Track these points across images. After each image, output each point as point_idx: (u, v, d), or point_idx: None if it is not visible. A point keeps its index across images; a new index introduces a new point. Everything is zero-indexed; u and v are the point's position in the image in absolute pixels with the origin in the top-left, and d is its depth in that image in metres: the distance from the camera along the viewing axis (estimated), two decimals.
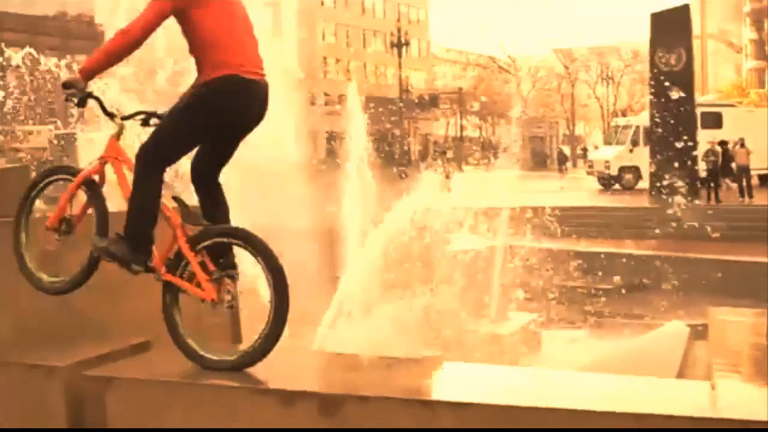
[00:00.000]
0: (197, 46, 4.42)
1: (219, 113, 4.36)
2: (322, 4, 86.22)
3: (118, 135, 4.66)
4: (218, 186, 4.68)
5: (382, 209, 10.80)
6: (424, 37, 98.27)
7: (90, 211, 4.67)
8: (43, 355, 4.59)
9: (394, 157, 55.69)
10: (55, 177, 4.93)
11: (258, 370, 4.27)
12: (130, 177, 4.52)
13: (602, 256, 16.28)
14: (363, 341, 7.95)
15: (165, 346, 4.41)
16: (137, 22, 4.32)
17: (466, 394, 3.92)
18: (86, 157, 28.86)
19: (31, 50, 33.16)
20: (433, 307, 9.50)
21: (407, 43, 65.56)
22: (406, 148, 69.40)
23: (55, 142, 35.13)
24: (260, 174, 12.93)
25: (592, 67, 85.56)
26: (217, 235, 4.41)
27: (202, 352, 4.37)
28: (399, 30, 62.31)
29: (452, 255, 10.60)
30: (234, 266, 4.45)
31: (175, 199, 4.52)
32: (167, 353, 4.38)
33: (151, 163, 4.42)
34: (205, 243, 4.41)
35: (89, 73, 4.46)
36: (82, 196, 4.70)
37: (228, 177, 12.37)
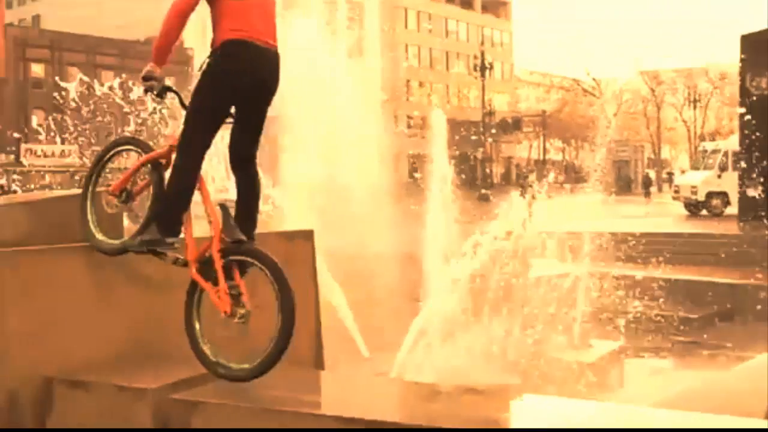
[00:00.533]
0: (215, 23, 4.66)
1: (232, 76, 4.55)
2: (406, 27, 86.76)
3: None
4: (257, 173, 4.82)
5: (464, 233, 10.77)
6: (508, 60, 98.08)
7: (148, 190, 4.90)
8: (132, 376, 4.67)
9: (477, 180, 55.54)
10: (121, 148, 5.21)
11: (340, 398, 4.29)
12: None
13: (688, 283, 15.91)
14: (442, 368, 7.94)
15: None
16: (176, 4, 4.60)
17: (544, 427, 3.87)
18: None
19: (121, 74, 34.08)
20: (515, 333, 9.42)
21: (491, 66, 65.47)
22: (488, 170, 69.11)
23: None
24: (344, 196, 13.06)
25: (679, 90, 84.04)
26: (242, 254, 4.53)
27: (214, 359, 4.51)
28: (482, 53, 62.25)
29: (534, 281, 10.50)
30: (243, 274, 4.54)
31: (222, 207, 4.62)
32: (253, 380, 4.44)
33: (189, 146, 4.61)
34: (233, 257, 4.53)
35: (158, 57, 4.66)
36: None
37: (312, 199, 12.48)
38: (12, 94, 52.35)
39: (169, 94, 4.77)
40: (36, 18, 69.71)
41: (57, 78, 40.90)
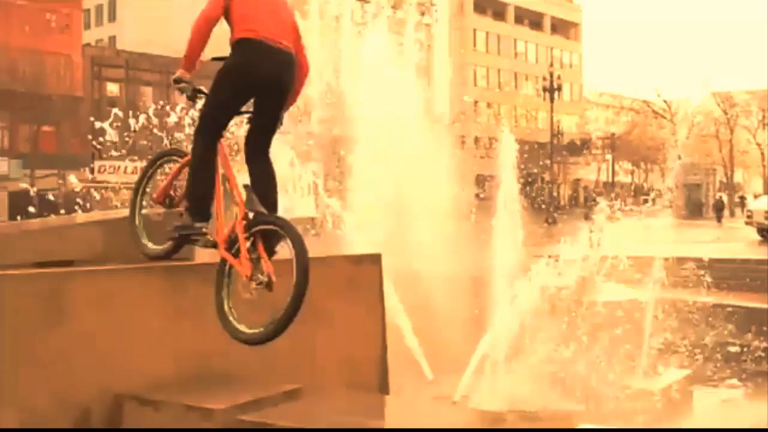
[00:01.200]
0: (232, 29, 5.11)
1: (241, 68, 5.01)
2: (475, 47, 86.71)
3: None
4: (269, 164, 5.18)
5: (530, 255, 10.70)
6: (577, 81, 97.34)
7: None
8: (201, 396, 4.74)
9: (544, 202, 55.11)
10: (164, 159, 5.77)
11: (404, 424, 4.29)
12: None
13: (761, 312, 15.55)
14: (506, 392, 7.89)
15: (315, 394, 4.50)
16: (201, 14, 5.09)
17: None
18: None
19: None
20: (580, 359, 9.32)
21: (559, 88, 65.01)
22: (555, 193, 68.50)
23: None
24: (410, 217, 13.07)
25: (753, 112, 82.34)
26: (264, 223, 4.80)
27: (236, 325, 4.76)
28: (551, 75, 61.86)
29: (601, 306, 10.37)
30: (271, 253, 4.78)
31: (245, 187, 5.00)
32: (318, 401, 4.47)
33: (202, 130, 5.11)
34: (256, 228, 4.79)
35: (186, 64, 5.12)
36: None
37: (379, 219, 12.53)
38: (88, 112, 53.65)
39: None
40: (112, 39, 71.32)
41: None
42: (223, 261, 4.94)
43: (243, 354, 4.68)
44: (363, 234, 11.49)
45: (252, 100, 5.16)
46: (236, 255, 4.81)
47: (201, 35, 5.05)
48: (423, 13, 77.56)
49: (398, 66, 14.83)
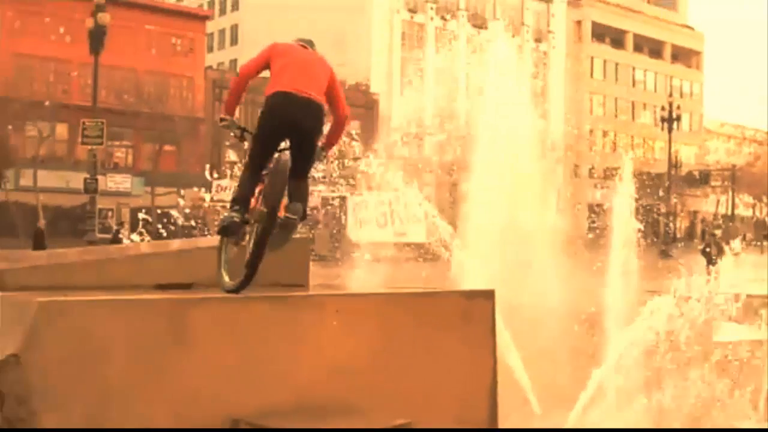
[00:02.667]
0: (270, 81, 6.14)
1: (271, 116, 6.04)
2: (592, 75, 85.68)
3: None
4: (300, 185, 6.13)
5: (644, 290, 10.45)
6: (697, 111, 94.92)
7: None
8: (316, 424, 4.76)
9: (659, 235, 53.82)
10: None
11: None
12: None
13: None
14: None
15: (425, 429, 4.47)
16: (243, 68, 6.37)
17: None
18: (354, 218, 30.00)
19: None
20: (694, 401, 9.04)
21: (679, 118, 63.58)
22: (671, 225, 66.85)
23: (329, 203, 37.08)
24: (521, 247, 12.95)
25: None
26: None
27: (225, 279, 5.87)
28: (671, 104, 60.54)
29: (718, 345, 10.06)
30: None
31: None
32: None
33: (248, 162, 6.19)
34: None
35: (226, 108, 6.44)
36: None
37: (490, 247, 12.37)
38: (209, 133, 55.21)
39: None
40: (233, 62, 73.34)
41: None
42: (221, 241, 6.19)
43: (355, 386, 4.70)
44: (473, 261, 11.45)
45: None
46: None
47: (239, 88, 6.32)
48: (539, 40, 77.22)
49: (514, 93, 14.77)
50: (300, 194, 6.13)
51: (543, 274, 12.17)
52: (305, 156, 6.13)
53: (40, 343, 4.72)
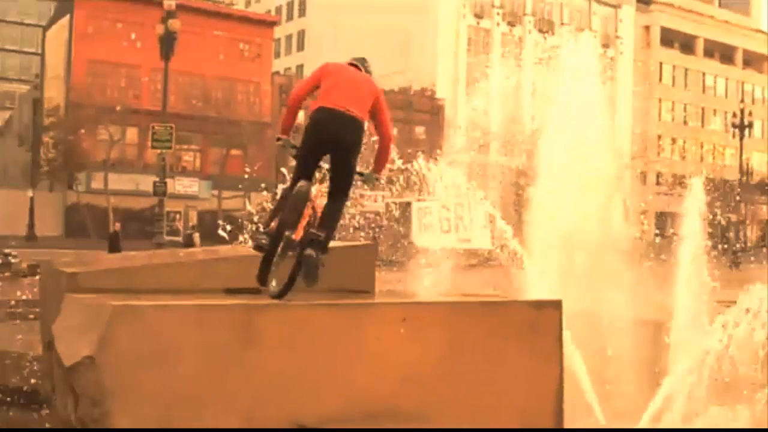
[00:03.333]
0: (317, 99, 6.37)
1: (313, 129, 6.23)
2: (660, 81, 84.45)
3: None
4: (333, 207, 6.24)
5: (712, 300, 10.27)
6: None
7: None
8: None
9: (728, 244, 52.77)
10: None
11: None
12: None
13: None
14: None
15: None
16: (295, 89, 6.67)
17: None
18: (419, 224, 30.01)
19: None
20: (765, 417, 8.84)
21: (750, 125, 62.30)
22: (741, 234, 65.50)
23: (392, 209, 37.08)
24: (586, 254, 12.82)
25: None
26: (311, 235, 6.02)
27: (272, 284, 5.86)
28: (742, 110, 59.36)
29: None
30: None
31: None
32: None
33: (293, 175, 6.31)
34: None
35: (282, 129, 6.62)
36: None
37: (556, 255, 12.26)
38: (274, 137, 55.92)
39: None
40: (300, 67, 74.00)
41: None
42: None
43: (422, 394, 4.71)
44: (538, 268, 11.37)
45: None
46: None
47: (293, 110, 6.62)
48: (607, 45, 76.35)
49: (582, 99, 14.65)
50: (330, 218, 6.21)
51: (608, 281, 12.03)
52: (343, 172, 6.28)
53: (114, 346, 4.84)
